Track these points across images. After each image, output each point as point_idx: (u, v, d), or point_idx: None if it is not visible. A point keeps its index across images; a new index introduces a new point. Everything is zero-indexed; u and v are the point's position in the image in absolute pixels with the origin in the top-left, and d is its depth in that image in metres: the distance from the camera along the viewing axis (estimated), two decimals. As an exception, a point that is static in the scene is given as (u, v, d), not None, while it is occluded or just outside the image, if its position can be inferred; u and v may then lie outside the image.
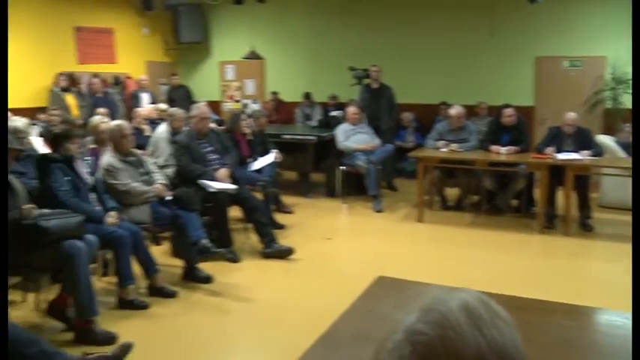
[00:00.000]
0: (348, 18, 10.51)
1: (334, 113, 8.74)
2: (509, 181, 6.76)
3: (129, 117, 8.63)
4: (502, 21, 9.48)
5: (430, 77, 10.00)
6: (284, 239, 5.63)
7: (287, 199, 7.35)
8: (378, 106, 8.17)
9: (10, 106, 8.01)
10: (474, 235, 6.24)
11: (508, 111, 6.76)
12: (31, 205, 3.70)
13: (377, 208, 7.17)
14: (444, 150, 6.77)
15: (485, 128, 7.41)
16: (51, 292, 4.19)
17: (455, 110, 7.07)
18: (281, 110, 10.57)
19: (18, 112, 7.29)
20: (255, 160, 6.61)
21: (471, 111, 8.42)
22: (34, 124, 7.14)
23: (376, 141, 7.57)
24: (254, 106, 10.84)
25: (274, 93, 10.53)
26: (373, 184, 7.20)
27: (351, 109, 7.70)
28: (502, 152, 6.53)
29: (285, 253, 5.35)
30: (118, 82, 10.38)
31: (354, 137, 7.49)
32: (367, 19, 10.35)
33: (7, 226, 3.19)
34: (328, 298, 4.40)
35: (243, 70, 11.72)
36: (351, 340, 2.04)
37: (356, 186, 7.73)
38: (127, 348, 2.84)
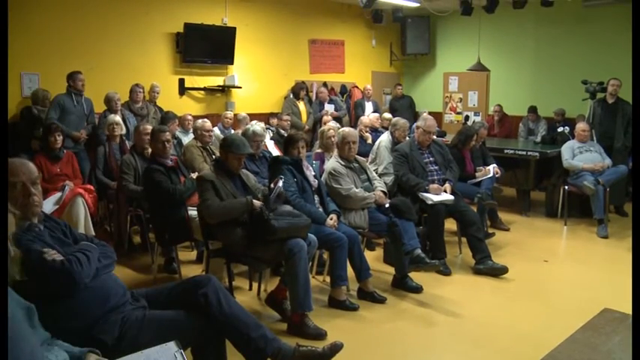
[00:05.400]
0: (581, 27, 9.84)
1: (561, 129, 8.28)
2: None
3: (353, 125, 9.04)
4: None
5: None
6: (498, 258, 5.43)
7: (504, 216, 7.12)
8: (613, 122, 7.56)
9: (251, 111, 8.87)
10: None
11: None
12: (259, 203, 4.05)
13: (602, 233, 6.62)
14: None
15: None
16: (271, 284, 4.55)
17: None
18: (504, 123, 10.25)
19: (255, 116, 8.02)
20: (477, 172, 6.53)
21: None
22: (268, 128, 7.80)
23: (607, 161, 7.02)
24: (475, 118, 10.66)
25: (500, 105, 10.23)
26: (600, 208, 6.65)
27: (581, 126, 7.22)
28: None
29: (498, 272, 5.17)
30: (345, 90, 10.89)
31: (581, 156, 7.03)
32: (604, 28, 9.57)
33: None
34: (541, 323, 4.18)
35: (467, 81, 11.58)
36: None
37: (580, 208, 7.27)
38: (337, 348, 2.97)
